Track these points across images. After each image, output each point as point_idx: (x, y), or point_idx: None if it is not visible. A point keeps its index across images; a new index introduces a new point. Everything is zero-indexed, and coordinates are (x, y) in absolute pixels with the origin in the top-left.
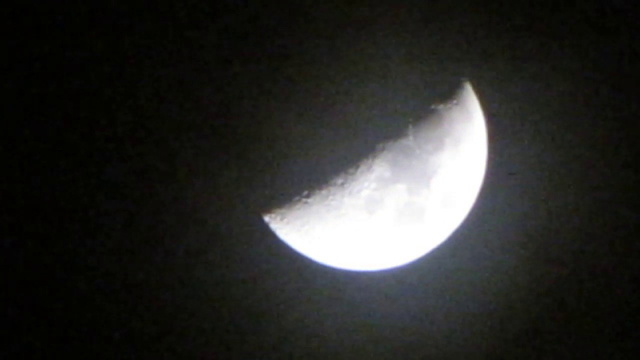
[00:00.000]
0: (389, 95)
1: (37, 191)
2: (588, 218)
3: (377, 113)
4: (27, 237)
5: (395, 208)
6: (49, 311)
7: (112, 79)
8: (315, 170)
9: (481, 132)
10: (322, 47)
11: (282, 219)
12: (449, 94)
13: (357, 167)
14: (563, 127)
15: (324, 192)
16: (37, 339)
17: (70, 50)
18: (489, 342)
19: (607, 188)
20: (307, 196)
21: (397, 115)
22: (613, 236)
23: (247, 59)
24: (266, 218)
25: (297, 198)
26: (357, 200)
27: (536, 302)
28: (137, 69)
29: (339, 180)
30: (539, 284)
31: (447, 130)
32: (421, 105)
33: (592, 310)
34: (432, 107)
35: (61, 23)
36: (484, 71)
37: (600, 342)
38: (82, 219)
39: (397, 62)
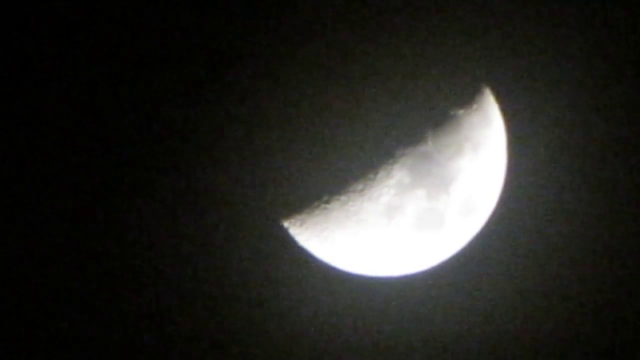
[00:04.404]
0: (408, 100)
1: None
2: (610, 223)
3: (396, 119)
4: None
5: (414, 214)
6: (64, 317)
7: (125, 85)
8: (335, 176)
9: (500, 138)
10: (342, 53)
11: (301, 225)
12: (468, 99)
13: (377, 172)
14: (583, 132)
15: (343, 197)
16: (46, 339)
17: (75, 50)
18: (508, 348)
19: (630, 193)
20: (327, 202)
21: (417, 121)
22: (637, 241)
23: (267, 64)
24: (286, 224)
25: (317, 204)
26: (376, 206)
27: (557, 308)
28: (149, 74)
29: (359, 186)
30: (559, 290)
31: (466, 135)
32: (440, 110)
33: (616, 314)
34: (452, 112)
35: (64, 23)
36: (503, 76)
37: (624, 350)
38: (100, 227)
39: (417, 68)
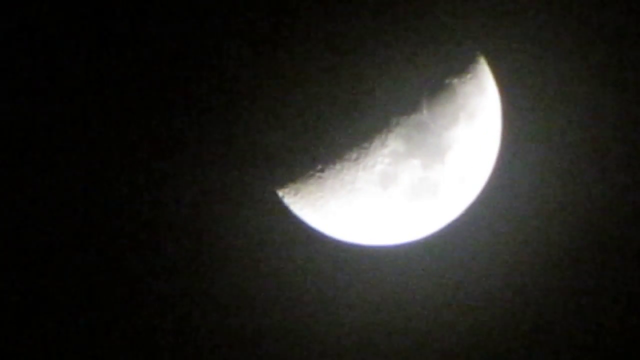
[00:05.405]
0: (403, 70)
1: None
2: (605, 192)
3: (391, 88)
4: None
5: (409, 183)
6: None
7: (131, 63)
8: (330, 145)
9: (495, 107)
10: (335, 21)
11: (296, 194)
12: (463, 68)
13: (371, 141)
14: (578, 101)
15: (338, 166)
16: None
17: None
18: (501, 316)
19: (622, 162)
20: (321, 171)
21: (411, 90)
22: (629, 211)
23: (259, 34)
24: (280, 193)
25: (311, 173)
26: (371, 175)
27: (550, 276)
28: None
29: (353, 155)
30: (553, 258)
31: (461, 104)
32: (435, 79)
33: (608, 275)
34: (446, 81)
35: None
36: (498, 45)
37: (615, 315)
38: (97, 201)
39: (411, 37)
